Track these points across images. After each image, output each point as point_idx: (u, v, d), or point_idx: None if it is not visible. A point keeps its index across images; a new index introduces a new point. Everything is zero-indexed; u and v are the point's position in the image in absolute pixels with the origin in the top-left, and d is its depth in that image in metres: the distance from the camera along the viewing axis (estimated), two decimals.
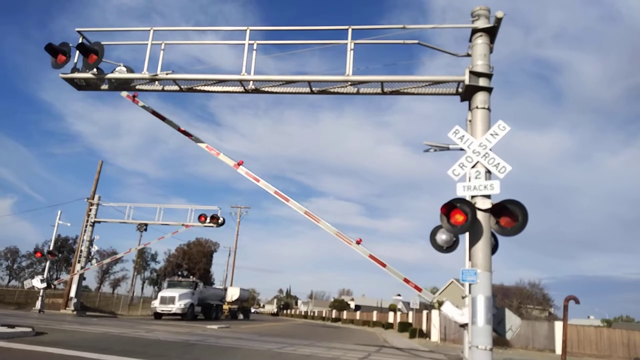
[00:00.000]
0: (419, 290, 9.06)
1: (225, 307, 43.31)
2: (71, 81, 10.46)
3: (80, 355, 8.90)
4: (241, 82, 10.01)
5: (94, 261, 31.03)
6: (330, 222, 9.85)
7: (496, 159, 8.11)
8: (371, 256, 9.40)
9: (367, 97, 9.95)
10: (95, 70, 10.19)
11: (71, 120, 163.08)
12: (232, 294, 45.57)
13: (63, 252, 64.91)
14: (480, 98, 8.60)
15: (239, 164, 10.52)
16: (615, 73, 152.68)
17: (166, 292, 31.89)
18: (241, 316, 47.86)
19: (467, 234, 8.23)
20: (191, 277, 40.29)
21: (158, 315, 31.00)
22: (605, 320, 55.34)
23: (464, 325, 8.10)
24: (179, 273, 65.08)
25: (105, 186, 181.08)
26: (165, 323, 25.48)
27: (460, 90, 9.06)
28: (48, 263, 33.60)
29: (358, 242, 9.58)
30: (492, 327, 7.73)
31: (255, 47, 9.85)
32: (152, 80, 10.27)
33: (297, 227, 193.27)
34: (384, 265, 9.40)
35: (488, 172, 8.17)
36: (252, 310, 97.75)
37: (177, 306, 30.57)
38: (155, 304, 31.71)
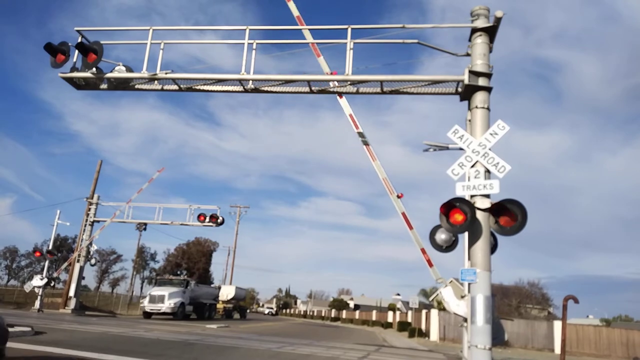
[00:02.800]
0: (431, 265, 8.99)
1: (220, 306, 42.22)
2: (70, 80, 10.44)
3: (80, 355, 8.91)
4: (240, 81, 10.00)
5: (95, 229, 30.57)
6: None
7: (495, 158, 8.11)
8: (404, 214, 9.33)
9: (366, 96, 9.94)
10: (94, 69, 10.16)
11: (70, 120, 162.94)
12: (227, 292, 44.56)
13: (62, 251, 64.79)
14: (479, 97, 8.60)
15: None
16: (615, 73, 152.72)
17: (155, 291, 30.82)
18: (237, 315, 46.84)
19: (466, 234, 8.24)
20: (182, 275, 39.56)
21: (147, 315, 30.07)
22: (604, 319, 55.39)
23: (464, 321, 8.11)
24: (178, 272, 65.04)
25: (104, 186, 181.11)
26: (163, 322, 25.47)
27: (459, 89, 9.06)
28: (47, 262, 33.59)
29: (399, 197, 9.48)
30: None
31: (254, 46, 9.84)
32: (151, 79, 10.25)
33: (297, 227, 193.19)
34: (411, 227, 9.31)
35: (487, 171, 8.17)
36: (267, 311, 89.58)
37: (166, 305, 29.45)
38: (145, 303, 30.68)
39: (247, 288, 58.28)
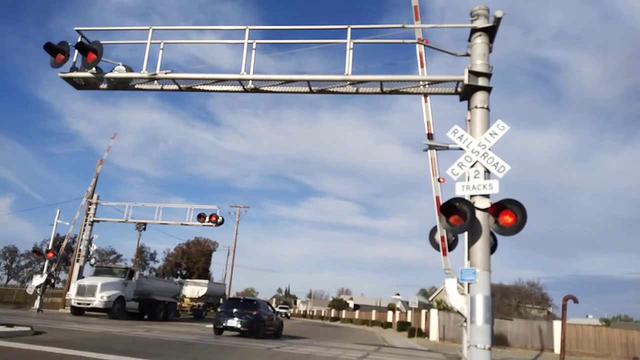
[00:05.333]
0: (445, 254, 8.97)
1: (187, 304, 36.31)
2: (70, 80, 10.44)
3: (79, 355, 8.90)
4: (240, 81, 10.01)
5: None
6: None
7: (495, 158, 8.13)
8: (437, 198, 9.31)
9: (366, 96, 9.96)
10: (94, 69, 10.18)
11: (70, 120, 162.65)
12: (197, 289, 38.70)
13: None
14: (479, 97, 8.61)
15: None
16: (614, 73, 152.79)
17: (86, 280, 25.23)
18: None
19: (466, 234, 8.25)
20: (126, 264, 32.91)
21: (76, 311, 24.26)
22: (603, 319, 55.38)
23: (464, 321, 8.12)
24: (178, 272, 65.06)
25: (104, 185, 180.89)
26: (161, 322, 25.45)
27: (459, 89, 9.07)
28: (47, 262, 33.59)
29: (440, 180, 9.38)
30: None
31: (254, 46, 9.85)
32: (151, 79, 10.26)
33: (296, 227, 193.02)
34: (439, 212, 9.25)
35: (487, 171, 8.18)
36: (283, 312, 65.29)
37: (98, 299, 23.44)
38: (71, 295, 24.60)
39: (224, 283, 51.71)
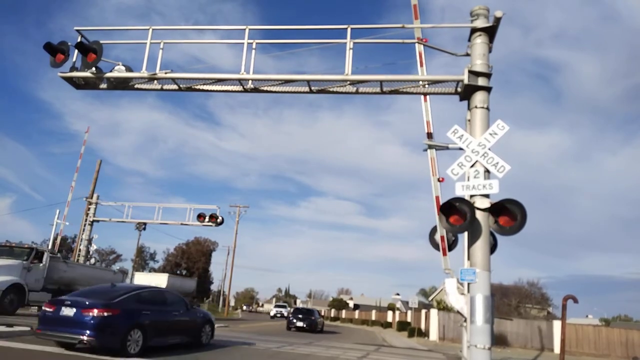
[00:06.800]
0: (445, 254, 8.94)
1: None
2: (70, 80, 10.43)
3: (79, 355, 8.91)
4: (240, 81, 10.00)
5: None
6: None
7: (495, 158, 8.12)
8: (437, 197, 9.25)
9: (366, 96, 9.95)
10: (94, 69, 10.16)
11: (70, 120, 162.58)
12: (155, 283, 29.07)
13: (62, 251, 64.81)
14: (479, 97, 8.61)
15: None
16: (614, 73, 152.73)
17: None
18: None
19: (466, 234, 8.24)
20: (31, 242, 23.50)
21: None
22: (603, 319, 55.37)
23: (464, 321, 8.12)
24: (178, 272, 65.01)
25: (104, 185, 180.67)
26: None
27: (459, 89, 9.07)
28: None
29: (440, 180, 9.33)
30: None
31: (254, 46, 9.83)
32: (151, 79, 10.25)
33: (296, 227, 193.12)
34: (439, 212, 9.21)
35: (487, 171, 8.18)
36: (282, 311, 56.48)
37: None
38: None
39: (194, 278, 44.27)
